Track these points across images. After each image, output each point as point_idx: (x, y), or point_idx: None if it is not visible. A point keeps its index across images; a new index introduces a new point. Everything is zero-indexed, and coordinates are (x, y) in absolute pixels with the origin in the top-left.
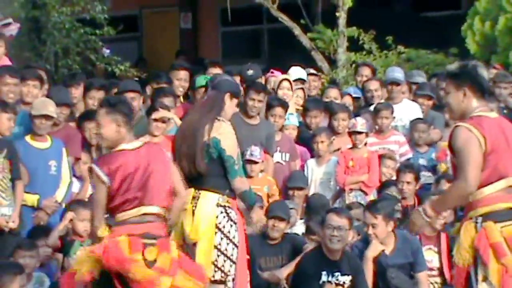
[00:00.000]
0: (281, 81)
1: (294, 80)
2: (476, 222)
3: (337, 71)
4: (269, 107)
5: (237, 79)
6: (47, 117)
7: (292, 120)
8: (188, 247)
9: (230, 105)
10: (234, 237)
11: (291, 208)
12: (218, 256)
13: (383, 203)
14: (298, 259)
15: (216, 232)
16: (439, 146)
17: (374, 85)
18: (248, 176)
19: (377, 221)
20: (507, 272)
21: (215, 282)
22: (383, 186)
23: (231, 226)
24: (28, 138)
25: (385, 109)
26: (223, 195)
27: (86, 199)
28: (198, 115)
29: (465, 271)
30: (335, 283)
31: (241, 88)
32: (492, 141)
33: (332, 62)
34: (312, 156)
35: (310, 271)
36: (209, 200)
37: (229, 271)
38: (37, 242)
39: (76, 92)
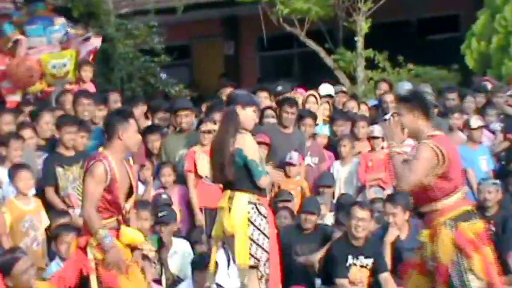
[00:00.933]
0: (308, 96)
1: (323, 96)
2: (450, 225)
3: (357, 86)
4: (300, 117)
5: (264, 94)
6: None
7: (324, 130)
8: (228, 240)
9: (245, 114)
10: (264, 229)
11: (321, 203)
12: (251, 245)
13: (400, 196)
14: (328, 245)
15: (249, 225)
16: None
17: (389, 97)
18: (286, 175)
19: (396, 211)
20: (487, 260)
21: (250, 267)
22: None
23: (262, 219)
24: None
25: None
26: (253, 194)
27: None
28: (221, 131)
29: (446, 268)
30: (360, 265)
31: (256, 97)
32: (450, 156)
33: (352, 79)
34: (337, 159)
35: (338, 255)
36: (241, 199)
37: (260, 257)
38: None
39: (137, 111)
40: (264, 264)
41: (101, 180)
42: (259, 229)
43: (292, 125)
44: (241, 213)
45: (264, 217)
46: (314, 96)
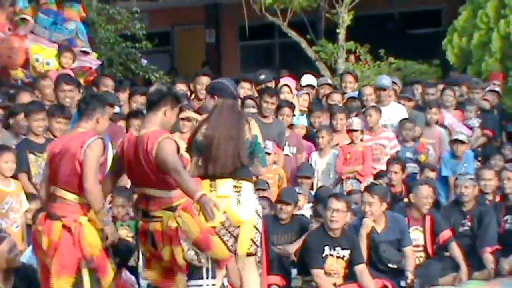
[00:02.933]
0: (281, 86)
1: (305, 86)
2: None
3: (337, 78)
4: (278, 108)
5: (247, 85)
6: None
7: (302, 121)
8: (231, 227)
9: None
10: (261, 214)
11: (299, 193)
12: (255, 233)
13: (379, 187)
14: (304, 236)
15: (256, 216)
16: (419, 141)
17: (368, 90)
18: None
19: (373, 200)
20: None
21: (250, 254)
22: (378, 176)
23: (260, 206)
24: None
25: (370, 109)
26: (252, 183)
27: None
28: (232, 120)
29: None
30: (336, 256)
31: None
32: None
33: (333, 71)
34: (316, 150)
35: (315, 246)
36: (249, 189)
37: (260, 243)
38: None
39: (123, 95)
40: (259, 249)
41: (99, 158)
42: (260, 217)
43: (271, 115)
44: (252, 204)
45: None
46: (288, 86)
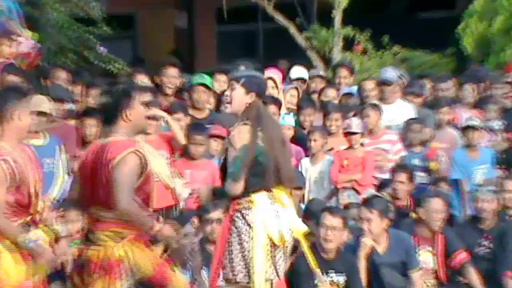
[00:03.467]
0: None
1: (295, 79)
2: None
3: (330, 70)
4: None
5: (222, 78)
6: (41, 113)
7: (288, 119)
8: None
9: None
10: None
11: None
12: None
13: (378, 200)
14: (293, 258)
15: None
16: (429, 146)
17: (370, 85)
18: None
19: (372, 216)
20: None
21: None
22: (380, 186)
23: None
24: None
25: (369, 108)
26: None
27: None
28: (274, 124)
29: None
30: (330, 281)
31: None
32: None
33: (327, 61)
34: (306, 155)
35: (305, 270)
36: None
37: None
38: None
39: (78, 89)
40: None
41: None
42: None
43: None
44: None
45: None
46: (273, 79)
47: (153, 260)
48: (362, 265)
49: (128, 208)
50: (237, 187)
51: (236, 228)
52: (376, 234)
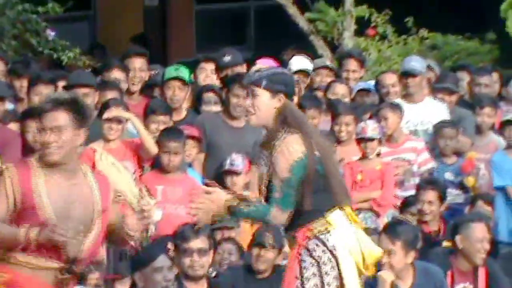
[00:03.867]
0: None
1: (295, 72)
2: None
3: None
4: None
5: (210, 67)
6: None
7: None
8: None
9: None
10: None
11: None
12: None
13: (405, 227)
14: None
15: None
16: (466, 156)
17: (391, 78)
18: (227, 188)
19: (395, 248)
20: None
21: None
22: (403, 206)
23: None
24: None
25: (387, 108)
26: None
27: None
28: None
29: None
30: None
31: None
32: None
33: (336, 49)
34: None
35: None
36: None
37: None
38: None
39: (22, 84)
40: None
41: None
42: None
43: (243, 117)
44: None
45: None
46: None
47: None
48: None
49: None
50: (285, 217)
51: (313, 259)
52: (398, 271)
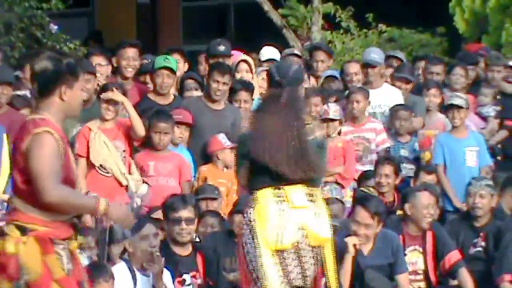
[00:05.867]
0: (238, 63)
1: (265, 61)
2: None
3: (306, 52)
4: (232, 91)
5: (201, 57)
6: None
7: None
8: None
9: None
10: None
11: None
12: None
13: (378, 202)
14: None
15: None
16: (422, 134)
17: (354, 67)
18: (214, 166)
19: (372, 222)
20: None
21: None
22: (363, 177)
23: None
24: None
25: (358, 93)
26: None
27: None
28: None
29: None
30: None
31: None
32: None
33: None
34: None
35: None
36: (322, 199)
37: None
38: None
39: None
40: None
41: None
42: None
43: (223, 100)
44: (328, 217)
45: None
46: (247, 62)
47: (47, 265)
48: (347, 268)
49: (56, 199)
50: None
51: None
52: (369, 239)
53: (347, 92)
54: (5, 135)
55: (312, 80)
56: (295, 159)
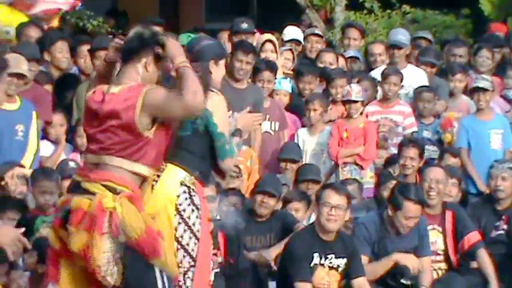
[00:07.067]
0: (264, 42)
1: (288, 41)
2: None
3: (334, 32)
4: (256, 71)
5: (224, 35)
6: (19, 75)
7: (284, 85)
8: None
9: (217, 70)
10: (193, 224)
11: (283, 184)
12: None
13: (420, 190)
14: (287, 239)
15: (175, 215)
16: (444, 116)
17: (378, 48)
18: None
19: (420, 213)
20: None
21: None
22: (389, 162)
23: (193, 211)
24: None
25: (394, 75)
26: (191, 175)
27: (54, 167)
28: None
29: None
30: (328, 266)
31: (226, 46)
32: None
33: (329, 22)
34: (303, 125)
35: (301, 252)
36: (174, 175)
37: (181, 261)
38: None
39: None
40: (187, 272)
41: None
42: (186, 224)
43: (246, 79)
44: (168, 194)
45: (197, 209)
46: (272, 42)
47: (145, 223)
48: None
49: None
50: None
51: None
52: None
53: (377, 71)
54: (34, 113)
55: (341, 61)
56: None
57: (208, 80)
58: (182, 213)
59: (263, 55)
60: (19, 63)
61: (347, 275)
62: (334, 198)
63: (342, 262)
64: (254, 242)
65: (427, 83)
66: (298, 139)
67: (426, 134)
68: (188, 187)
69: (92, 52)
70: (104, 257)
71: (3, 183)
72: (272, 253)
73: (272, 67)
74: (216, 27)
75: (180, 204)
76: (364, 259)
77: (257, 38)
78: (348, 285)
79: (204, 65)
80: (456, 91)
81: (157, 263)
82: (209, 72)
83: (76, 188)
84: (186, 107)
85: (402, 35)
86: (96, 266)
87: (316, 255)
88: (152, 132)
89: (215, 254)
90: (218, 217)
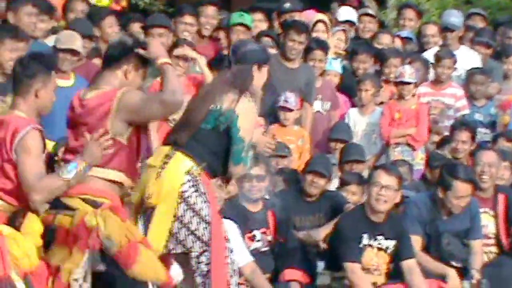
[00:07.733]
0: (316, 23)
1: (342, 22)
2: None
3: (386, 12)
4: (308, 50)
5: (258, 16)
6: (73, 52)
7: (335, 65)
8: (143, 211)
9: (259, 76)
10: (201, 209)
11: (333, 164)
12: (179, 228)
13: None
14: (337, 219)
15: (180, 203)
16: (499, 98)
17: (431, 29)
18: (281, 125)
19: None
20: None
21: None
22: (443, 142)
23: (199, 196)
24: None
25: (448, 58)
26: (198, 165)
27: None
28: (219, 89)
29: None
30: (377, 247)
31: (269, 51)
32: None
33: (381, 2)
34: (353, 106)
35: (350, 233)
36: (181, 163)
37: (191, 247)
38: None
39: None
40: (199, 257)
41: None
42: (193, 210)
43: (298, 58)
44: (173, 182)
45: (203, 193)
46: (324, 22)
47: (129, 231)
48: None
49: (170, 97)
50: None
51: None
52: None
53: (430, 53)
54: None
55: (397, 41)
56: (180, 125)
57: (247, 84)
58: (188, 199)
59: (314, 35)
60: (73, 39)
61: (397, 257)
62: (384, 178)
63: (391, 243)
64: (303, 222)
65: (480, 65)
66: (349, 119)
67: (478, 116)
68: (194, 175)
69: (145, 29)
70: (80, 271)
71: (57, 158)
72: (321, 233)
73: (323, 46)
74: (266, 6)
75: (185, 191)
76: (417, 239)
77: (309, 18)
78: (397, 267)
79: (247, 69)
80: (510, 74)
81: (135, 273)
82: (251, 76)
83: (57, 203)
84: (164, 105)
85: (455, 17)
86: (72, 280)
87: (365, 236)
88: (125, 137)
89: (264, 233)
90: (267, 197)
